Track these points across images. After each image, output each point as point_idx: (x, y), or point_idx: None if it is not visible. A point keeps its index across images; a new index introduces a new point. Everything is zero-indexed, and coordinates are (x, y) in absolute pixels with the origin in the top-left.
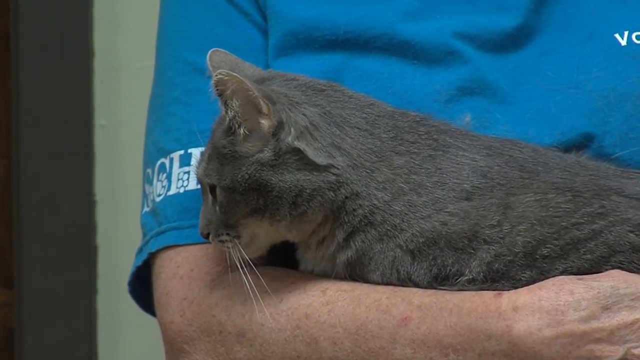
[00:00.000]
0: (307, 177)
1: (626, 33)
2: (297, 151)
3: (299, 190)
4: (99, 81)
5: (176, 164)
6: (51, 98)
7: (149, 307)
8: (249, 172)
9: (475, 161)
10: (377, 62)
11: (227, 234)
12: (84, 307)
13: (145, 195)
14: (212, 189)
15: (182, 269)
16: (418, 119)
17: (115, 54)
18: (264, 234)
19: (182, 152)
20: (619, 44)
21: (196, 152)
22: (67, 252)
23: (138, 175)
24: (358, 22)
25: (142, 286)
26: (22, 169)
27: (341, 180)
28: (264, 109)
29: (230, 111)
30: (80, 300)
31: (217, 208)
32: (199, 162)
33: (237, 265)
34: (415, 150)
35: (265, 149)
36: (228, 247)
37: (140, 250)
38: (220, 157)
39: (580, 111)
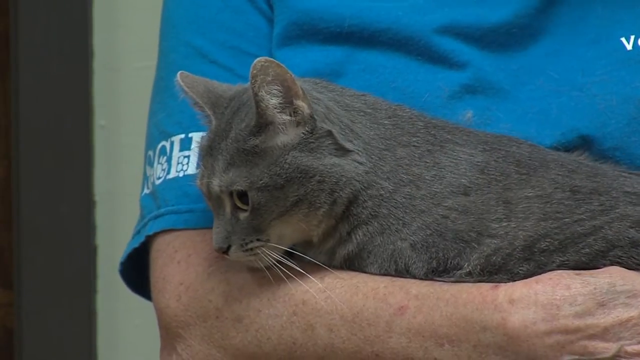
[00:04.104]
0: (341, 162)
1: (632, 37)
2: (329, 134)
3: (336, 171)
4: (99, 81)
5: (177, 147)
6: (51, 98)
7: (137, 287)
8: (288, 160)
9: (473, 156)
10: (381, 56)
11: (258, 240)
12: (84, 308)
13: (146, 177)
14: (240, 196)
15: (179, 254)
16: (416, 113)
17: (115, 54)
18: (289, 232)
19: (182, 135)
20: (625, 48)
21: (197, 136)
22: (67, 252)
23: (138, 176)
24: (363, 16)
25: (133, 266)
26: (22, 169)
27: (364, 168)
28: (300, 92)
29: (274, 98)
30: (79, 301)
31: (248, 214)
32: (210, 176)
33: (273, 265)
34: (416, 143)
35: (303, 132)
36: (262, 252)
37: (138, 231)
38: (251, 158)
39: (582, 114)
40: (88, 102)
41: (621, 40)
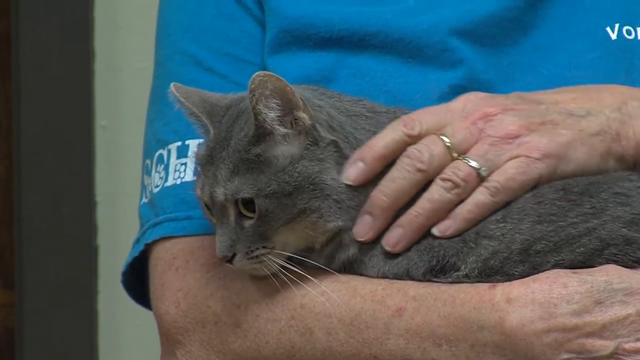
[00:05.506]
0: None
1: (617, 26)
2: (334, 144)
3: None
4: (100, 82)
5: (174, 155)
6: (52, 99)
7: (140, 298)
8: (298, 169)
9: None
10: (372, 60)
11: (264, 247)
12: (85, 308)
13: (143, 187)
14: (245, 204)
15: (177, 261)
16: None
17: (116, 55)
18: (294, 239)
19: (179, 143)
20: (610, 38)
21: (193, 144)
22: (68, 252)
23: (138, 176)
24: (353, 20)
25: (135, 277)
26: (23, 169)
27: None
28: (301, 103)
29: (272, 112)
30: (80, 301)
31: (254, 222)
32: (212, 185)
33: (279, 271)
34: None
35: (308, 143)
36: (269, 259)
37: (137, 240)
38: (255, 166)
39: None
40: (89, 103)
41: (606, 30)
